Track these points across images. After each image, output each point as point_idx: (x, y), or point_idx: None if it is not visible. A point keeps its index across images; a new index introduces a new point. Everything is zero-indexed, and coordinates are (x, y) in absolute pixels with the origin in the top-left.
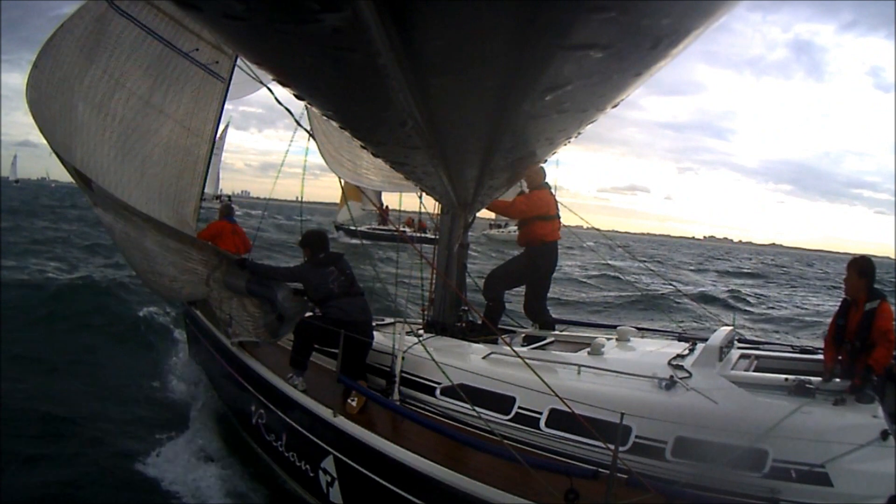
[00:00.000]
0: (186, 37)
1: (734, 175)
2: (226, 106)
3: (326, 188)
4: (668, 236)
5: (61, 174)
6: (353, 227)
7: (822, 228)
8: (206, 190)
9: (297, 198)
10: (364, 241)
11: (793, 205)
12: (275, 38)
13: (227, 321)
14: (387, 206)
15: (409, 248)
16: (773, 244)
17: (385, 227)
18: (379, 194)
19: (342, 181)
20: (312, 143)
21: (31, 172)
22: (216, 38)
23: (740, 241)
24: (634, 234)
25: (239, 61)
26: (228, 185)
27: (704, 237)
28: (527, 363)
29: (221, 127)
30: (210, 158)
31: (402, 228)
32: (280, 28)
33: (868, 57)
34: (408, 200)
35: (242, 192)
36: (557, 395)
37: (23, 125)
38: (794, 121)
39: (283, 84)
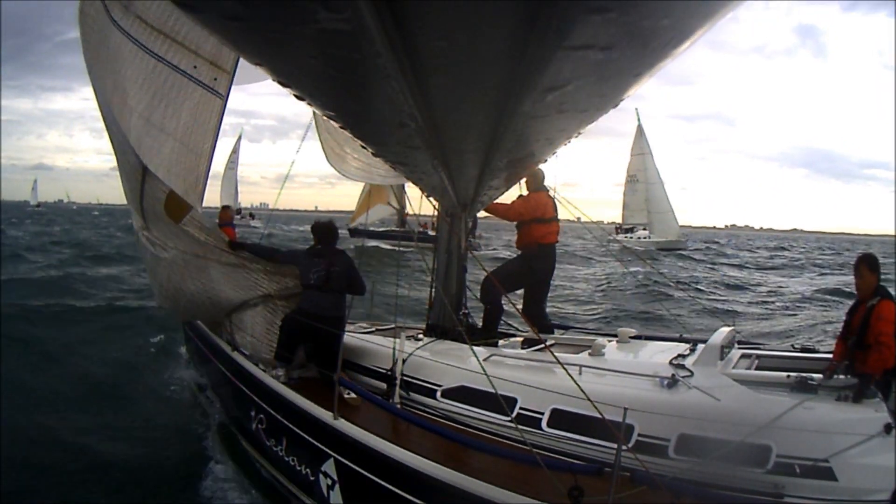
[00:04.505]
0: (183, 54)
1: (748, 162)
2: (238, 119)
3: (343, 196)
4: (689, 226)
5: (80, 196)
6: (370, 229)
7: (839, 211)
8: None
9: (315, 207)
10: (378, 243)
11: (808, 189)
12: (275, 39)
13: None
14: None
15: (429, 251)
16: (795, 230)
17: (401, 229)
18: (402, 194)
19: (366, 186)
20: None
21: (49, 195)
22: (217, 40)
23: (761, 229)
24: None
25: None
26: (246, 198)
27: (726, 226)
28: (561, 363)
29: (234, 140)
30: (207, 176)
31: (420, 230)
32: (280, 29)
33: (873, 36)
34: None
35: (261, 204)
36: (584, 392)
37: (36, 149)
38: (804, 105)
39: (284, 84)
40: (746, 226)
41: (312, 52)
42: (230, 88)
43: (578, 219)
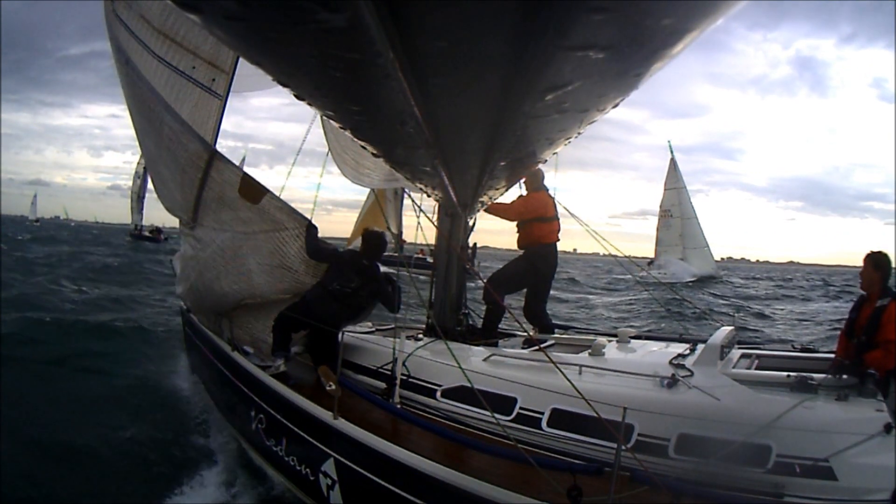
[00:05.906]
0: (182, 54)
1: (745, 195)
2: (236, 143)
3: (339, 223)
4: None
5: (77, 213)
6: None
7: (835, 243)
8: None
9: None
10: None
11: (804, 221)
12: (275, 39)
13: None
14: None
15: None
16: (791, 262)
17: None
18: (399, 223)
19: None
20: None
21: (47, 211)
22: (217, 40)
23: (757, 261)
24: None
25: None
26: None
27: (722, 258)
28: (556, 365)
29: (237, 163)
30: (206, 178)
31: (418, 256)
32: (280, 29)
33: (870, 69)
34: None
35: None
36: (580, 393)
37: (33, 164)
38: (801, 137)
39: (284, 84)
40: (742, 258)
41: (312, 52)
42: (229, 89)
43: (575, 249)
